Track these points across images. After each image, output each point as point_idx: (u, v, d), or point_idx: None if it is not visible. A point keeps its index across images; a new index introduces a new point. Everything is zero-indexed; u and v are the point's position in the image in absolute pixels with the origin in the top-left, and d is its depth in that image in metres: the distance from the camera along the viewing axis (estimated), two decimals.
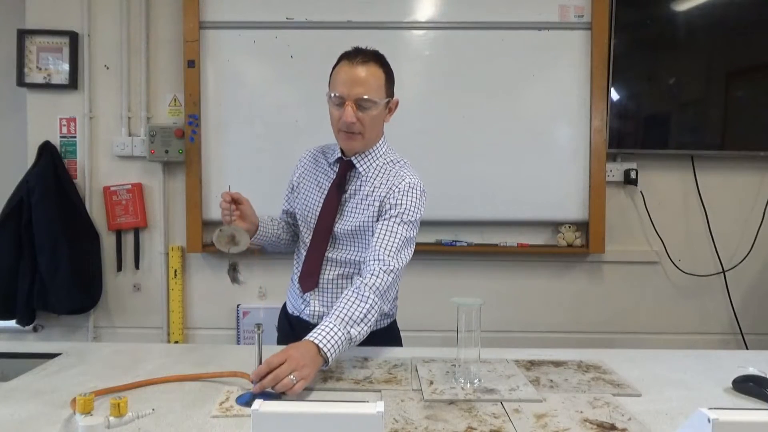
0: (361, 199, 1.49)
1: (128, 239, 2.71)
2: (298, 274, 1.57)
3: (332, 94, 1.44)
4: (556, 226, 2.68)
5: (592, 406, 1.12)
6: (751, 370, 1.23)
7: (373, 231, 1.45)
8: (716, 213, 2.71)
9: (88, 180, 2.67)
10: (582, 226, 2.66)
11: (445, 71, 2.60)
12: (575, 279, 2.74)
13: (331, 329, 1.24)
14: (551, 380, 1.26)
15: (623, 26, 2.57)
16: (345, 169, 1.52)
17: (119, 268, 2.71)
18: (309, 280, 1.54)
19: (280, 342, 1.64)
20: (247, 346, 1.69)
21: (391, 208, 1.44)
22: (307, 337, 1.22)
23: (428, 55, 2.59)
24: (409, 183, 1.46)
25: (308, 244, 1.56)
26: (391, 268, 1.38)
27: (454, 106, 2.59)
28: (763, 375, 1.21)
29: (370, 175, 1.50)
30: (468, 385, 1.20)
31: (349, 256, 1.51)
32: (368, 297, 1.32)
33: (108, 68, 2.67)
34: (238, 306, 2.71)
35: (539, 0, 2.57)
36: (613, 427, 1.02)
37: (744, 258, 2.70)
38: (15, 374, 1.26)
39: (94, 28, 2.66)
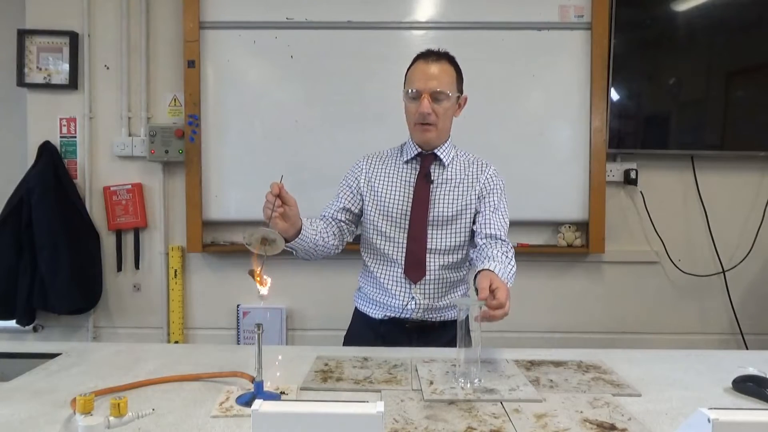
0: (453, 187, 1.62)
1: (128, 239, 2.71)
2: (402, 267, 1.59)
3: (409, 90, 1.57)
4: (556, 226, 2.68)
5: (592, 406, 1.12)
6: (751, 370, 1.23)
7: (470, 214, 1.62)
8: (716, 213, 2.71)
9: (88, 180, 2.67)
10: (582, 226, 2.66)
11: None
12: (575, 279, 2.74)
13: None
14: (551, 380, 1.26)
15: (623, 26, 2.57)
16: (429, 161, 1.64)
17: (119, 268, 2.71)
18: (417, 269, 1.59)
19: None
20: (247, 346, 1.69)
21: (493, 194, 1.63)
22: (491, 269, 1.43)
23: None
24: (494, 168, 1.67)
25: (398, 238, 1.60)
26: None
27: None
28: (763, 375, 1.21)
29: (452, 164, 1.65)
30: (468, 385, 1.20)
31: (448, 243, 1.60)
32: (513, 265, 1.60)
33: (108, 68, 2.67)
34: (238, 306, 2.71)
35: (539, 0, 2.57)
36: (613, 427, 1.02)
37: (744, 258, 2.70)
38: (15, 374, 1.26)
39: (94, 28, 2.66)
